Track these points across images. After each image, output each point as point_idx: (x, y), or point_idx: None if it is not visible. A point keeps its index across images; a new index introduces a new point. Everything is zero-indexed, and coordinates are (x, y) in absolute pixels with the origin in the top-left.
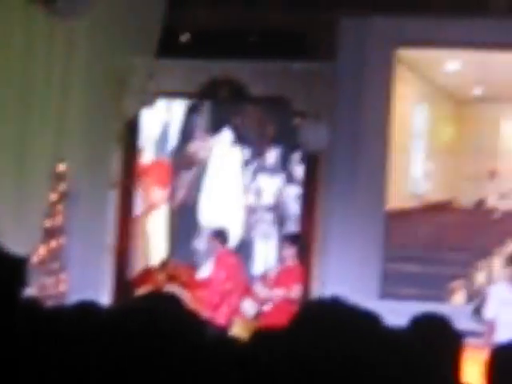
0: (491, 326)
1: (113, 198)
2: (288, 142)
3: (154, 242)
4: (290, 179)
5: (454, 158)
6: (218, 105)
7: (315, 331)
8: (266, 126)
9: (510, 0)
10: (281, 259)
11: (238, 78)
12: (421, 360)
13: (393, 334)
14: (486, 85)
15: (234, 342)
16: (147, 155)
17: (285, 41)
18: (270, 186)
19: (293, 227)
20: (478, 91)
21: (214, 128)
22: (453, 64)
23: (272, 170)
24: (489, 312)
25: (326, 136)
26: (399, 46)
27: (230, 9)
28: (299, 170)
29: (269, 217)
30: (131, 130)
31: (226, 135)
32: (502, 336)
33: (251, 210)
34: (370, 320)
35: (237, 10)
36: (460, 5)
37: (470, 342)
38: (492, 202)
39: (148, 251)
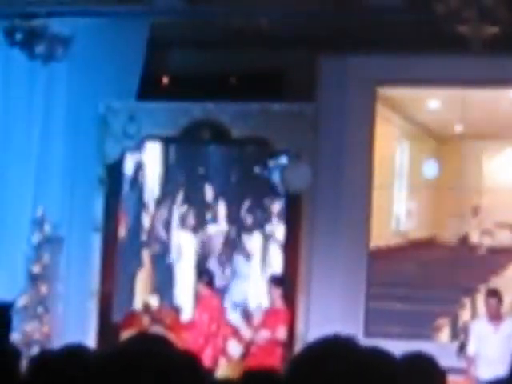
0: (471, 362)
1: (97, 241)
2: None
3: (139, 286)
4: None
5: (436, 195)
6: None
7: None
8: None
9: (486, 37)
10: (267, 301)
11: (219, 119)
12: None
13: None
14: (467, 122)
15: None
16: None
17: (264, 82)
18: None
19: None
20: (459, 128)
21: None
22: (433, 102)
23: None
24: (470, 348)
25: (309, 176)
26: (379, 85)
27: (209, 51)
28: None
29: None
30: (113, 174)
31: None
32: (481, 371)
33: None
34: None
35: (216, 52)
36: (439, 43)
37: (455, 379)
38: (476, 238)
39: (132, 295)
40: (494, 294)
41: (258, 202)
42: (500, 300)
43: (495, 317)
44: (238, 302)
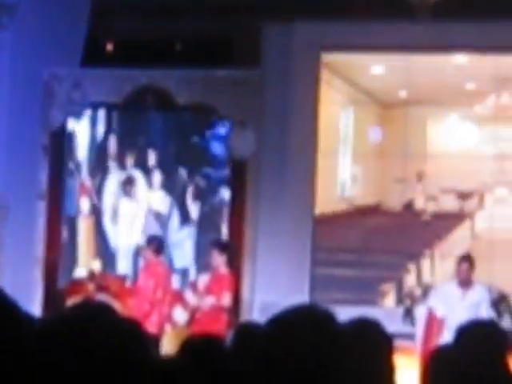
0: (440, 324)
1: (41, 209)
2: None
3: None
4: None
5: (382, 161)
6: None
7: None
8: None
9: (431, 4)
10: (211, 267)
11: (163, 86)
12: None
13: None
14: (412, 88)
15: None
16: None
17: (210, 48)
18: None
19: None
20: (403, 94)
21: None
22: (378, 68)
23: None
24: (438, 311)
25: (254, 142)
26: (324, 51)
27: (154, 18)
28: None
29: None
30: (57, 141)
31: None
32: (444, 336)
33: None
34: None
35: (161, 18)
36: (383, 9)
37: (401, 344)
38: (420, 203)
39: (76, 262)
40: (466, 259)
41: (199, 168)
42: (471, 265)
43: (465, 282)
44: (182, 268)
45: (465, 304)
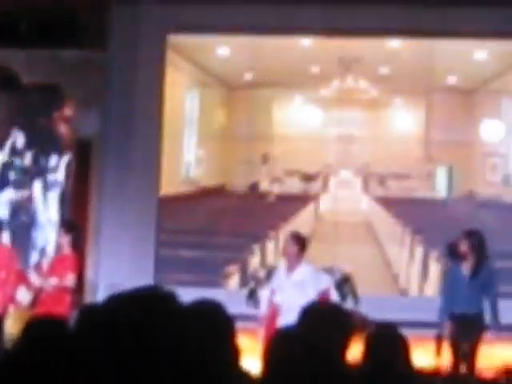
0: (276, 309)
1: None
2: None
3: None
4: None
5: (227, 143)
6: None
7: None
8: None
9: None
10: (57, 247)
11: (8, 66)
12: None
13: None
14: (258, 70)
15: None
16: None
17: (57, 28)
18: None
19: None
20: (249, 76)
21: None
22: (223, 49)
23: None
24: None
25: (98, 123)
26: (170, 33)
27: None
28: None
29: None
30: None
31: None
32: (280, 319)
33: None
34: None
35: None
36: None
37: (245, 326)
38: (265, 185)
39: None
40: (294, 237)
41: (46, 148)
42: (298, 245)
43: (292, 262)
44: (42, 247)
45: (289, 283)
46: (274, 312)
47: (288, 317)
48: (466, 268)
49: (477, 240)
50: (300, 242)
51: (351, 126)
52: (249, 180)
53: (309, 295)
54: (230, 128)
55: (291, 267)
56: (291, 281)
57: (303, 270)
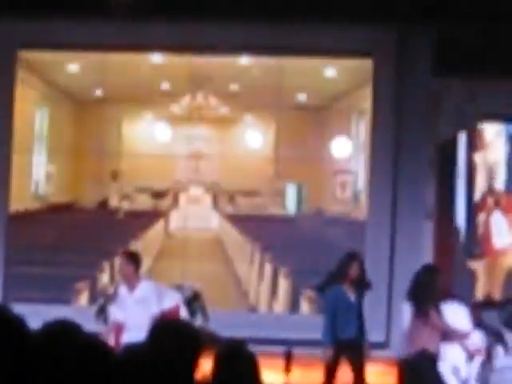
0: (118, 327)
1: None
2: None
3: None
4: None
5: (77, 159)
6: None
7: None
8: None
9: (127, 4)
10: None
11: None
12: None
13: None
14: (108, 86)
15: None
16: None
17: None
18: None
19: None
20: (99, 92)
21: None
22: (74, 66)
23: None
24: (117, 314)
25: None
26: (20, 48)
27: None
28: None
29: None
30: None
31: None
32: (124, 337)
33: None
34: None
35: None
36: (80, 8)
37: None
38: (115, 202)
39: None
40: (127, 257)
41: None
42: (132, 264)
43: (130, 280)
44: None
45: (131, 301)
46: (117, 330)
47: (132, 334)
48: (350, 291)
49: (361, 261)
50: (134, 261)
51: (201, 142)
52: (99, 196)
53: (152, 311)
54: (79, 144)
55: (130, 285)
56: (133, 298)
57: (144, 287)
